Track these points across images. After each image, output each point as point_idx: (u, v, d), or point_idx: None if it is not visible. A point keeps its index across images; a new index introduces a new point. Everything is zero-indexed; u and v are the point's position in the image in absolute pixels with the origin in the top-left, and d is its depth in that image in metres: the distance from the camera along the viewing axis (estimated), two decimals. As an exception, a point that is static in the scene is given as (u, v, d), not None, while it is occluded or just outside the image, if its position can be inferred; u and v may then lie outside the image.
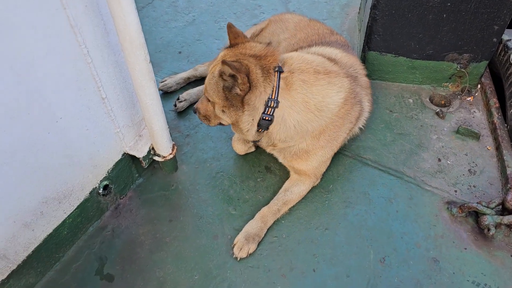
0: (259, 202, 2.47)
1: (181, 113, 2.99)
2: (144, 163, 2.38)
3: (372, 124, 2.90)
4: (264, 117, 2.08)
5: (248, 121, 2.11)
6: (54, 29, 1.70)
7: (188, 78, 3.19)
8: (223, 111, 2.15)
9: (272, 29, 2.95)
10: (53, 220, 2.08)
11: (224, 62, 1.90)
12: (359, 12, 3.69)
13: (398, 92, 3.15)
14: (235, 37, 2.18)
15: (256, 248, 2.25)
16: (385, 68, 3.11)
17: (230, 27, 2.19)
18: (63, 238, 2.19)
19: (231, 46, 2.19)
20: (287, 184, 2.45)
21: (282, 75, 2.06)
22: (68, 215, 2.16)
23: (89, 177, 2.20)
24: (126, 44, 1.84)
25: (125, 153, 2.38)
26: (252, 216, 2.38)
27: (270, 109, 2.06)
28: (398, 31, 2.86)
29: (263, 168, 2.66)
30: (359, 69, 2.50)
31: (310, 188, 2.46)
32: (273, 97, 2.04)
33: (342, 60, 2.41)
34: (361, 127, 2.56)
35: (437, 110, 2.96)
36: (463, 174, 2.61)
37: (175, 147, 2.44)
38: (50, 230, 2.09)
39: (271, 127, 2.15)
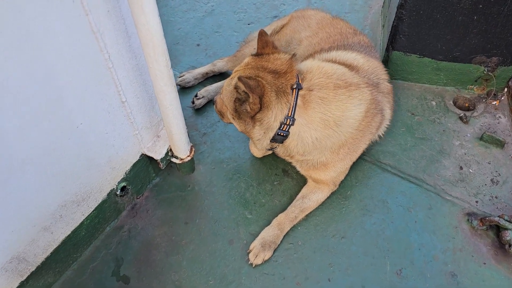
0: (276, 207, 2.46)
1: (199, 110, 2.96)
2: (161, 165, 2.37)
3: (393, 128, 2.83)
4: (279, 133, 2.04)
5: (259, 134, 2.07)
6: (76, 36, 1.66)
7: (207, 73, 3.13)
8: (233, 118, 2.12)
9: (294, 25, 2.86)
10: (71, 222, 2.09)
11: (240, 79, 1.85)
12: (383, 6, 3.57)
13: (420, 93, 3.06)
14: (263, 47, 2.13)
15: (272, 255, 2.25)
16: (408, 68, 3.02)
17: (261, 34, 2.13)
18: (80, 239, 2.21)
19: (257, 55, 2.13)
20: (304, 190, 2.43)
21: (300, 92, 2.01)
22: (86, 217, 2.17)
23: (107, 179, 2.20)
24: (148, 50, 1.80)
25: (143, 154, 2.36)
26: (268, 221, 2.37)
27: (285, 126, 2.01)
28: (424, 32, 2.76)
29: (280, 171, 2.62)
30: (382, 74, 2.42)
31: (329, 195, 2.43)
32: (289, 115, 1.99)
33: (364, 66, 2.33)
34: (381, 135, 2.50)
35: (461, 115, 2.88)
36: (485, 184, 2.55)
37: (193, 149, 2.42)
38: (69, 232, 2.10)
39: (287, 142, 2.11)
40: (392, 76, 3.10)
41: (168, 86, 1.96)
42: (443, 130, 2.83)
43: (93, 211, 2.20)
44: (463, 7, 2.57)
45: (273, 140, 2.09)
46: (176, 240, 2.34)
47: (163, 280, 2.19)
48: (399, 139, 2.78)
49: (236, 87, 1.95)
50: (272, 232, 2.27)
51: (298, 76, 2.05)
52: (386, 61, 3.04)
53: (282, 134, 2.05)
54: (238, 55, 3.01)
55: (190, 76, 3.08)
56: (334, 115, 2.06)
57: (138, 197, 2.50)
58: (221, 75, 3.16)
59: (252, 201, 2.49)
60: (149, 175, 2.51)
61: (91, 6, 1.66)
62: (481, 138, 2.75)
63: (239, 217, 2.42)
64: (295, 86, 2.00)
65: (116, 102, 2.02)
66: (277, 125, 2.02)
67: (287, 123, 2.01)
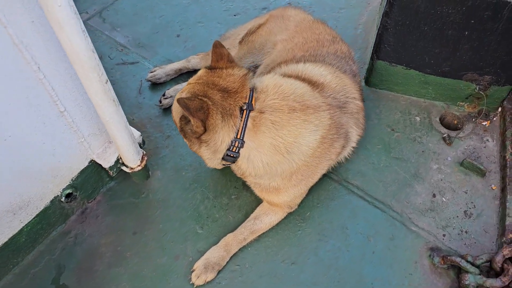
0: (229, 223, 2.35)
1: (167, 110, 2.82)
2: (111, 173, 2.28)
3: (368, 143, 2.64)
4: (228, 154, 1.90)
5: (207, 154, 1.94)
6: (-8, 49, 1.54)
7: (180, 69, 2.98)
8: (181, 135, 2.00)
9: (271, 26, 2.65)
10: (7, 230, 2.04)
11: (178, 101, 1.71)
12: (381, 3, 3.28)
13: (405, 106, 2.84)
14: (217, 60, 1.97)
15: (216, 276, 2.16)
16: (394, 79, 2.79)
17: (216, 46, 1.97)
18: (21, 245, 2.16)
19: (211, 68, 1.97)
20: (258, 210, 2.31)
21: (251, 114, 1.85)
22: (26, 224, 2.12)
23: (49, 187, 2.13)
24: (77, 67, 1.67)
25: (92, 160, 2.27)
26: (219, 238, 2.27)
27: (234, 147, 1.88)
28: (411, 43, 2.51)
29: (240, 184, 2.50)
30: (352, 92, 2.22)
31: (283, 218, 2.30)
32: (238, 137, 1.85)
33: (331, 84, 2.14)
34: (346, 157, 2.33)
35: (445, 135, 2.66)
36: (457, 216, 2.37)
37: (145, 158, 2.31)
38: (5, 239, 2.06)
39: (238, 162, 1.98)
40: (377, 86, 2.89)
41: (105, 101, 1.84)
42: (422, 151, 2.63)
43: (34, 218, 2.14)
44: (454, 21, 2.32)
45: (224, 159, 1.96)
46: (121, 251, 2.27)
47: (101, 293, 2.15)
48: (372, 157, 2.60)
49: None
50: (217, 253, 2.18)
51: (251, 95, 1.89)
52: (370, 70, 2.82)
53: (231, 155, 1.91)
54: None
55: (161, 72, 2.93)
56: (286, 141, 1.90)
57: (90, 201, 2.43)
58: (195, 72, 2.99)
59: (206, 215, 2.39)
60: (102, 179, 2.42)
61: (9, 17, 1.53)
62: (461, 164, 2.55)
63: (189, 232, 2.33)
64: (245, 107, 1.85)
65: (53, 112, 1.91)
66: (224, 147, 1.89)
67: (236, 145, 1.87)
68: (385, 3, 2.47)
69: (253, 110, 1.86)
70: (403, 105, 2.85)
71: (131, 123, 2.74)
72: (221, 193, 2.47)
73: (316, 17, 3.19)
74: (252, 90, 1.91)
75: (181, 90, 1.98)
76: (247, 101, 1.86)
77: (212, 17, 3.43)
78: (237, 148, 1.89)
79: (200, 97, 1.83)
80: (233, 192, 2.48)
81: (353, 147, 2.30)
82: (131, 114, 2.81)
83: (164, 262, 2.23)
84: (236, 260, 2.23)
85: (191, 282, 2.14)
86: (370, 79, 2.88)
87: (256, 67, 2.66)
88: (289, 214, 2.34)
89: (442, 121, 2.78)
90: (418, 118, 2.78)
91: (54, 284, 2.17)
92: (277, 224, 2.32)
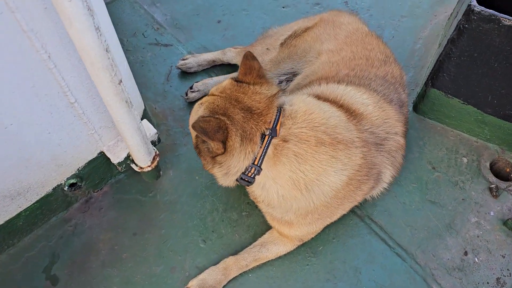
0: (234, 243, 2.18)
1: (192, 104, 2.63)
2: (120, 168, 2.14)
3: (402, 179, 2.37)
4: (243, 177, 1.71)
5: (220, 174, 1.75)
6: (-3, 35, 1.39)
7: (213, 61, 2.76)
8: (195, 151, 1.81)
9: (318, 32, 2.37)
10: (3, 214, 1.96)
11: (193, 127, 1.52)
12: (449, 17, 2.90)
13: (454, 143, 2.52)
14: (245, 73, 1.74)
15: (209, 299, 2.02)
16: (447, 111, 2.47)
17: (246, 58, 1.74)
18: (18, 228, 2.09)
19: (237, 81, 1.75)
20: (266, 237, 2.12)
21: (273, 140, 1.63)
22: (24, 209, 2.04)
23: (52, 175, 2.01)
24: (87, 65, 1.49)
25: (102, 151, 2.14)
26: (220, 257, 2.12)
27: (250, 173, 1.68)
28: (474, 78, 2.18)
29: (252, 200, 2.31)
30: (394, 127, 1.94)
31: (291, 250, 2.11)
32: (255, 163, 1.64)
33: (372, 116, 1.87)
34: (375, 196, 2.08)
35: (492, 185, 2.34)
36: (488, 282, 2.10)
37: (157, 159, 2.14)
38: (1, 222, 1.98)
39: (252, 187, 1.79)
40: (426, 114, 2.58)
41: (116, 102, 1.66)
42: (463, 199, 2.33)
43: (33, 203, 2.05)
44: (531, 63, 1.97)
45: (238, 181, 1.77)
46: (118, 250, 2.16)
47: (90, 292, 2.05)
48: (404, 196, 2.33)
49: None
50: (215, 276, 2.02)
51: (277, 118, 1.67)
52: (422, 96, 2.50)
53: (246, 179, 1.72)
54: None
55: (193, 61, 2.73)
56: (307, 177, 1.68)
57: (96, 191, 2.32)
58: (230, 66, 2.78)
59: (211, 228, 2.23)
60: (111, 170, 2.30)
61: (18, 2, 1.36)
62: (505, 223, 2.24)
63: (191, 243, 2.18)
64: (267, 133, 1.64)
65: (62, 102, 1.76)
66: (238, 172, 1.69)
67: (252, 171, 1.68)
68: (453, 28, 2.13)
69: (276, 136, 1.65)
70: (451, 141, 2.53)
71: (153, 112, 2.60)
72: (232, 207, 2.30)
73: (373, 22, 2.89)
74: (280, 111, 1.69)
75: (200, 101, 1.77)
76: (270, 127, 1.64)
77: (259, 5, 3.16)
78: (253, 174, 1.69)
79: (218, 116, 1.62)
80: (244, 209, 2.29)
81: (384, 188, 2.04)
82: (154, 102, 2.65)
83: (159, 272, 2.10)
84: (235, 285, 2.07)
85: (182, 300, 2.02)
86: (419, 106, 2.56)
87: (295, 74, 2.41)
88: (301, 244, 2.15)
89: (492, 167, 2.45)
90: (465, 160, 2.47)
91: (45, 273, 2.10)
92: (285, 253, 2.13)
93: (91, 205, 2.29)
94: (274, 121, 1.66)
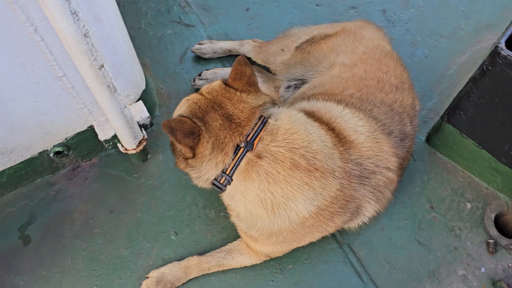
0: (204, 241, 2.14)
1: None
2: (106, 145, 2.13)
3: (395, 213, 2.23)
4: (214, 183, 1.65)
5: (194, 175, 1.71)
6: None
7: (230, 50, 2.67)
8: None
9: (337, 43, 2.21)
10: (-15, 169, 2.02)
11: (164, 126, 1.47)
12: (491, 47, 2.63)
13: (461, 185, 2.33)
14: (235, 78, 1.66)
15: (166, 293, 2.01)
16: (460, 151, 2.27)
17: (238, 62, 1.66)
18: (1, 184, 2.15)
19: (226, 84, 1.67)
20: (234, 244, 2.06)
21: (248, 154, 1.55)
22: (8, 167, 2.09)
23: (37, 141, 2.04)
24: (65, 47, 1.46)
25: (92, 125, 2.14)
26: (187, 253, 2.10)
27: (222, 180, 1.62)
28: (492, 123, 1.98)
29: (235, 203, 2.25)
30: (387, 161, 1.79)
31: (256, 263, 2.05)
32: (227, 173, 1.58)
33: (362, 146, 1.74)
34: (353, 228, 1.96)
35: (491, 240, 2.15)
36: None
37: (143, 143, 2.10)
38: (-17, 177, 2.05)
39: (223, 195, 1.74)
40: (438, 149, 2.39)
41: (97, 86, 1.63)
42: (455, 247, 2.16)
43: (17, 164, 2.10)
44: (558, 122, 1.75)
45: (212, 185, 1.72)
46: (92, 225, 2.18)
47: (56, 260, 2.09)
48: (392, 231, 2.19)
49: None
50: (175, 272, 2.00)
51: (258, 130, 1.58)
52: (437, 129, 2.31)
53: (217, 185, 1.67)
54: (264, 48, 2.47)
55: (209, 47, 2.65)
56: (275, 199, 1.60)
57: (84, 161, 2.34)
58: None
59: (186, 222, 2.20)
60: (101, 144, 2.29)
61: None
62: (494, 284, 2.06)
63: (163, 233, 2.17)
64: (243, 145, 1.56)
65: (49, 75, 1.76)
66: (209, 179, 1.64)
67: (223, 180, 1.62)
68: (478, 65, 1.93)
69: (252, 150, 1.57)
70: (459, 182, 2.34)
71: (158, 92, 2.56)
72: (212, 205, 2.25)
73: (408, 38, 2.70)
74: (263, 122, 1.60)
75: (187, 97, 1.71)
76: (247, 139, 1.56)
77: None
78: (224, 183, 1.63)
79: (195, 120, 1.56)
80: (223, 209, 2.22)
81: (364, 222, 1.92)
82: (162, 82, 2.61)
83: (125, 255, 2.11)
84: (194, 284, 2.04)
85: (140, 288, 2.02)
86: (432, 139, 2.38)
87: (304, 82, 2.29)
88: (271, 259, 2.08)
89: (497, 219, 2.25)
90: (469, 205, 2.28)
91: (19, 231, 2.16)
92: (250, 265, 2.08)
93: (77, 174, 2.32)
94: (254, 133, 1.57)
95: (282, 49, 2.36)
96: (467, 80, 2.04)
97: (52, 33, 1.60)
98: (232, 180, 1.61)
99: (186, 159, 1.65)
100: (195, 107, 1.62)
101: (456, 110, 2.09)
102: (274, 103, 1.73)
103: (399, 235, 2.19)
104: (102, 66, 1.58)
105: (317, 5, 2.95)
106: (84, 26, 1.40)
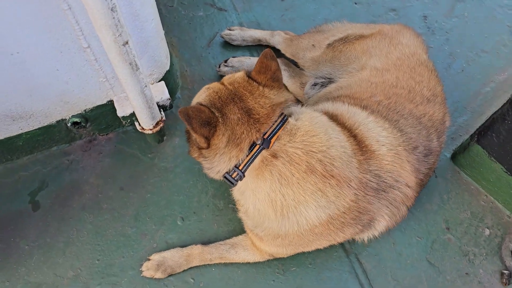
0: (210, 231, 2.12)
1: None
2: (124, 122, 2.11)
3: (408, 228, 2.15)
4: (226, 176, 1.61)
5: (205, 165, 1.67)
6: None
7: (259, 40, 2.60)
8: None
9: (371, 45, 2.12)
10: (3, 131, 2.02)
11: (180, 112, 1.43)
12: (537, 69, 2.49)
13: (481, 209, 2.22)
14: (259, 71, 1.60)
15: (165, 277, 1.99)
16: (486, 174, 2.16)
17: (265, 56, 1.60)
18: (18, 147, 2.17)
19: (249, 76, 1.62)
20: (240, 239, 2.02)
21: (263, 152, 1.50)
22: (26, 132, 2.09)
23: (56, 109, 2.03)
24: (91, 18, 1.42)
25: (111, 100, 2.12)
26: (191, 240, 2.08)
27: (234, 174, 1.57)
28: (527, 151, 1.87)
29: (245, 197, 2.20)
30: (406, 177, 1.71)
31: (259, 261, 2.00)
32: (240, 168, 1.53)
33: (383, 158, 1.66)
34: (363, 240, 1.89)
35: (506, 271, 2.06)
36: None
37: (161, 125, 2.07)
38: (1, 138, 2.06)
39: (234, 189, 1.70)
40: (462, 168, 2.29)
41: (119, 62, 1.59)
42: (466, 273, 2.07)
43: (35, 129, 2.10)
44: None
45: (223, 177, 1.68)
46: (101, 199, 2.18)
47: (62, 228, 2.10)
48: (403, 247, 2.12)
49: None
50: (177, 259, 1.99)
51: (277, 128, 1.53)
52: (464, 148, 2.21)
53: (229, 179, 1.62)
54: (295, 42, 2.39)
55: (239, 34, 2.58)
56: (285, 202, 1.55)
57: (102, 134, 2.33)
58: (275, 50, 2.59)
59: (194, 209, 2.17)
60: (119, 121, 2.28)
61: None
62: (502, 316, 1.98)
63: (169, 217, 2.15)
64: (259, 142, 1.51)
65: (74, 45, 1.74)
66: (221, 171, 1.61)
67: (235, 175, 1.58)
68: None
69: (268, 149, 1.51)
70: (480, 206, 2.23)
71: (182, 74, 2.53)
72: (222, 195, 2.21)
73: (447, 48, 2.59)
74: (284, 121, 1.54)
75: (208, 86, 1.66)
76: (265, 137, 1.51)
77: (331, -6, 2.90)
78: (236, 178, 1.59)
79: (213, 109, 1.52)
80: (233, 201, 2.18)
81: (374, 236, 1.85)
82: (187, 64, 2.56)
83: (130, 234, 2.10)
84: (195, 273, 2.02)
85: (140, 269, 2.01)
86: (458, 157, 2.27)
87: (331, 81, 2.21)
88: (275, 258, 2.03)
89: (515, 250, 2.15)
90: (487, 232, 2.18)
91: (30, 196, 2.18)
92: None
93: (92, 147, 2.31)
94: (272, 131, 1.52)
95: (313, 45, 2.27)
96: (504, 100, 1.93)
97: (80, 3, 1.56)
98: (244, 176, 1.56)
99: (200, 148, 1.61)
100: (215, 96, 1.58)
101: (488, 131, 1.98)
102: (296, 102, 1.67)
103: (409, 252, 2.11)
104: (127, 42, 1.54)
105: (355, 3, 2.84)
106: (112, 0, 1.36)
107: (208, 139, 1.52)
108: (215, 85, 1.65)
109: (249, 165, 1.53)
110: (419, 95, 1.93)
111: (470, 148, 2.15)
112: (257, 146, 1.51)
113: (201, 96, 1.63)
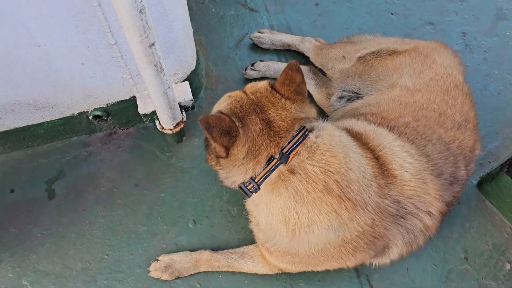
0: (220, 237, 2.09)
1: (248, 81, 2.48)
2: (145, 119, 2.10)
3: (424, 255, 2.07)
4: (241, 187, 1.57)
5: (221, 175, 1.63)
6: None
7: (289, 45, 2.54)
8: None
9: (404, 62, 2.03)
10: (25, 118, 2.04)
11: (201, 121, 1.39)
12: None
13: (504, 242, 2.12)
14: (283, 83, 1.55)
15: (172, 280, 1.98)
16: (513, 206, 2.07)
17: (290, 68, 1.54)
18: (39, 135, 2.19)
19: (272, 87, 1.57)
20: (251, 248, 1.98)
21: (281, 166, 1.46)
22: (48, 121, 2.11)
23: (79, 101, 2.04)
24: (119, 17, 1.40)
25: (134, 96, 2.10)
26: (202, 245, 2.06)
27: (249, 186, 1.54)
28: (560, 189, 1.77)
29: (260, 205, 2.16)
30: (429, 205, 1.64)
31: (268, 273, 1.97)
32: (256, 180, 1.49)
33: (405, 184, 1.59)
34: (376, 264, 1.83)
35: (524, 310, 1.97)
36: None
37: (181, 125, 2.05)
38: (23, 125, 2.09)
39: (248, 201, 1.67)
40: (488, 197, 2.19)
41: (143, 63, 1.57)
42: (481, 307, 1.99)
43: (57, 119, 2.12)
44: None
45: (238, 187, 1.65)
46: (115, 194, 2.18)
47: (75, 220, 2.11)
48: (417, 274, 2.04)
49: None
50: (185, 263, 1.97)
51: (297, 142, 1.48)
52: (492, 177, 2.11)
53: (244, 190, 1.59)
54: (325, 51, 2.32)
55: (268, 37, 2.53)
56: (299, 220, 1.50)
57: (122, 129, 2.32)
58: (304, 57, 2.53)
59: (207, 214, 2.15)
60: (140, 117, 2.27)
61: None
62: None
63: (182, 219, 2.13)
64: (277, 156, 1.47)
65: (101, 41, 1.73)
66: (236, 182, 1.57)
67: (250, 186, 1.54)
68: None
69: (285, 164, 1.47)
70: (503, 238, 2.13)
71: (207, 74, 2.49)
72: (236, 201, 2.18)
73: (484, 69, 2.48)
74: (305, 136, 1.49)
75: (229, 94, 1.62)
76: (283, 151, 1.46)
77: (366, 3, 2.80)
78: (251, 189, 1.56)
79: (234, 119, 1.48)
80: (246, 209, 2.17)
81: (387, 263, 1.78)
82: (213, 64, 2.53)
83: (141, 232, 2.10)
84: (202, 278, 2.00)
85: (148, 268, 2.00)
86: (485, 185, 2.17)
87: (358, 96, 2.14)
88: (284, 273, 1.99)
89: (537, 288, 2.05)
90: (508, 266, 2.08)
91: (47, 184, 2.19)
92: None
93: (112, 140, 2.31)
94: (292, 146, 1.47)
95: (343, 56, 2.20)
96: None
97: (110, 0, 1.55)
98: (259, 189, 1.52)
99: (218, 157, 1.58)
100: (236, 105, 1.53)
101: (520, 163, 1.89)
102: (317, 118, 1.62)
103: (423, 280, 2.03)
104: (153, 44, 1.51)
105: (392, 13, 2.74)
106: (141, 1, 1.33)
107: (227, 149, 1.49)
108: (237, 93, 1.60)
109: (265, 179, 1.49)
110: (450, 120, 1.84)
111: (498, 177, 2.06)
112: (275, 160, 1.47)
113: (222, 104, 1.59)
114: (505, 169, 2.00)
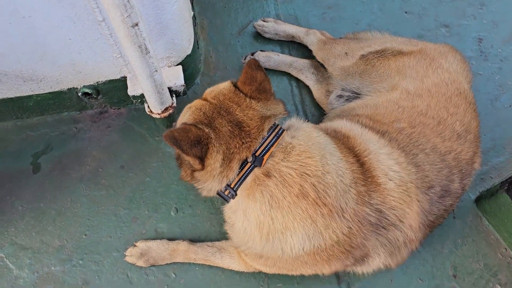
0: (202, 228, 2.04)
1: (247, 70, 2.40)
2: (134, 101, 2.05)
3: (410, 268, 1.98)
4: (219, 193, 1.50)
5: (198, 186, 1.55)
6: None
7: (293, 36, 2.44)
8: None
9: (408, 64, 1.92)
10: (14, 90, 2.02)
11: (165, 138, 1.30)
12: None
13: (497, 263, 2.01)
14: (245, 82, 1.48)
15: (147, 267, 1.94)
16: (510, 226, 1.95)
17: (250, 66, 1.47)
18: (28, 107, 2.16)
19: (236, 86, 1.49)
20: (228, 244, 1.91)
21: (256, 170, 1.39)
22: (37, 94, 2.08)
23: (68, 77, 2.00)
24: (100, -7, 1.33)
25: (125, 76, 2.05)
26: (182, 235, 2.02)
27: (227, 191, 1.47)
28: (560, 214, 1.65)
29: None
30: (412, 219, 1.54)
31: (244, 271, 1.91)
32: (232, 186, 1.43)
33: (389, 194, 1.49)
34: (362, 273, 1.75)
35: (509, 336, 1.87)
36: None
37: (170, 110, 1.99)
38: (12, 96, 2.06)
39: (225, 207, 1.63)
40: (486, 214, 2.08)
41: (126, 43, 1.51)
42: (464, 328, 1.90)
43: (46, 93, 2.08)
44: None
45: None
46: (100, 174, 2.14)
47: (57, 197, 2.08)
48: (400, 285, 1.95)
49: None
50: (162, 252, 1.92)
51: (270, 143, 1.41)
52: (491, 194, 1.99)
53: (222, 196, 1.52)
54: (328, 46, 2.21)
55: (272, 27, 2.43)
56: (273, 226, 1.43)
57: (113, 108, 2.28)
58: (308, 50, 2.42)
59: (190, 203, 2.09)
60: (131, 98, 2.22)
61: None
62: None
63: (164, 206, 2.08)
64: (250, 160, 1.39)
65: (88, 17, 1.68)
66: (213, 189, 1.49)
67: (227, 192, 1.47)
68: None
69: (260, 167, 1.39)
70: (497, 259, 2.02)
71: (206, 60, 2.42)
72: (221, 193, 2.12)
73: (497, 78, 2.38)
74: (278, 134, 1.42)
75: (189, 105, 1.53)
76: (257, 154, 1.39)
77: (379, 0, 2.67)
78: (229, 195, 1.49)
79: (201, 126, 1.39)
80: (231, 202, 2.11)
81: (368, 272, 1.70)
82: (214, 50, 2.45)
83: (121, 215, 2.06)
84: (178, 268, 1.95)
85: (124, 253, 1.97)
86: (483, 202, 2.06)
87: (357, 96, 2.04)
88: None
89: (527, 315, 1.94)
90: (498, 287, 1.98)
91: (33, 157, 2.17)
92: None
93: (102, 119, 2.27)
94: (265, 147, 1.40)
95: (346, 53, 2.10)
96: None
97: (96, -26, 1.48)
98: (236, 194, 1.46)
99: (193, 171, 1.49)
100: (199, 114, 1.44)
101: (521, 182, 1.77)
102: (288, 115, 1.53)
103: (405, 290, 1.95)
104: (136, 24, 1.44)
105: (406, 12, 2.60)
106: (119, -23, 1.26)
107: (202, 159, 1.40)
108: (197, 102, 1.52)
109: (240, 184, 1.42)
110: (449, 129, 1.73)
111: (497, 195, 1.94)
112: (248, 164, 1.40)
113: (184, 117, 1.50)
114: (505, 187, 1.88)
